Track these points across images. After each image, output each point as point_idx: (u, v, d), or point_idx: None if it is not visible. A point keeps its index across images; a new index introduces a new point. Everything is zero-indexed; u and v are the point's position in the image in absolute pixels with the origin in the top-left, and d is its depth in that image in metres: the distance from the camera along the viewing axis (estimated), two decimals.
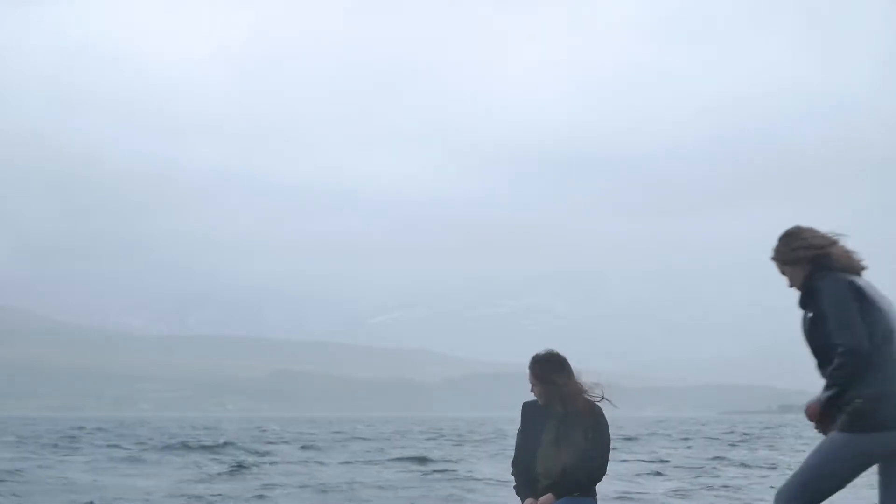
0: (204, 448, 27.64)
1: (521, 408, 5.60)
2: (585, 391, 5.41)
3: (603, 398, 5.46)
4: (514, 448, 5.59)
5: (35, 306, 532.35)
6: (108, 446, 29.73)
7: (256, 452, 25.81)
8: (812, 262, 4.62)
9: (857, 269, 4.64)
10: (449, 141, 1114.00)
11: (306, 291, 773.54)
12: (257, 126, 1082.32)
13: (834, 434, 4.45)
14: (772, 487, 14.24)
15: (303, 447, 29.46)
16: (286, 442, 34.04)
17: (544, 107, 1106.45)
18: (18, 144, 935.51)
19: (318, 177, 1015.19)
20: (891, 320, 4.49)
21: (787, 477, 4.60)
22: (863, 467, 4.43)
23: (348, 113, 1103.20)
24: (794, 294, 4.59)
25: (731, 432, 46.75)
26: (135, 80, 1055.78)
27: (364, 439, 37.63)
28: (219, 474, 18.19)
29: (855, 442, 4.38)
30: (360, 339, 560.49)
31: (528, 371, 5.51)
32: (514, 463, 5.53)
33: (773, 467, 19.95)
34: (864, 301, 4.47)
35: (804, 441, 32.50)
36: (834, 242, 4.65)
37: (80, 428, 52.45)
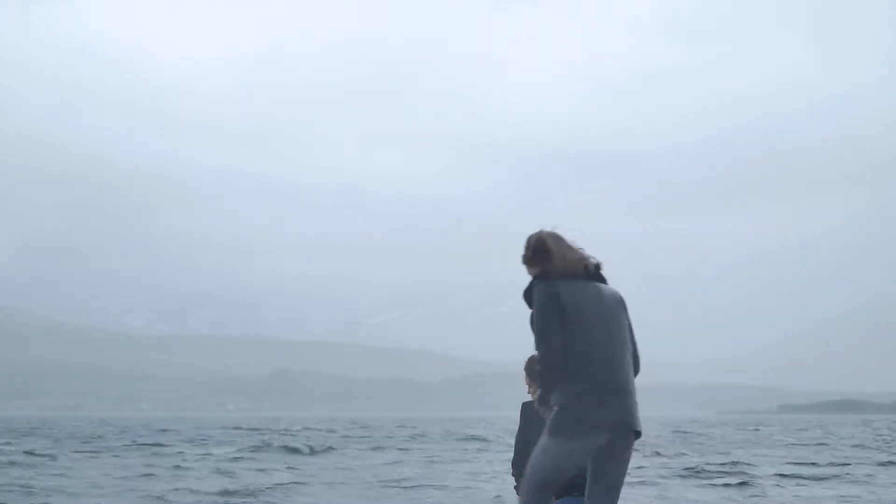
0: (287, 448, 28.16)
1: (520, 408, 5.65)
2: None
3: None
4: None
5: (35, 306, 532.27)
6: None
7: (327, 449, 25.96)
8: (540, 266, 4.94)
9: (578, 276, 4.90)
10: (451, 141, 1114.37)
11: (306, 291, 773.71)
12: (258, 126, 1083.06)
13: (543, 437, 4.83)
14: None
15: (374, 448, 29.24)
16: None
17: (544, 107, 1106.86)
18: (20, 144, 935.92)
19: (319, 177, 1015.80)
20: (592, 332, 4.76)
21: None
22: (572, 465, 4.77)
23: (349, 113, 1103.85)
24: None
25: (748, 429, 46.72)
26: (136, 80, 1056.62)
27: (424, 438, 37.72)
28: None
29: (555, 445, 4.73)
30: (360, 339, 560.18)
31: (523, 372, 5.58)
32: (514, 463, 5.53)
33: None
34: (566, 314, 4.74)
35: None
36: (557, 249, 4.91)
37: (164, 430, 52.34)
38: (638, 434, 4.84)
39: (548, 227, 4.93)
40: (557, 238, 4.97)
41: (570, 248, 4.97)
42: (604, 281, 5.04)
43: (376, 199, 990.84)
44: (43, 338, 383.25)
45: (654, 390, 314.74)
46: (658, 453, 25.23)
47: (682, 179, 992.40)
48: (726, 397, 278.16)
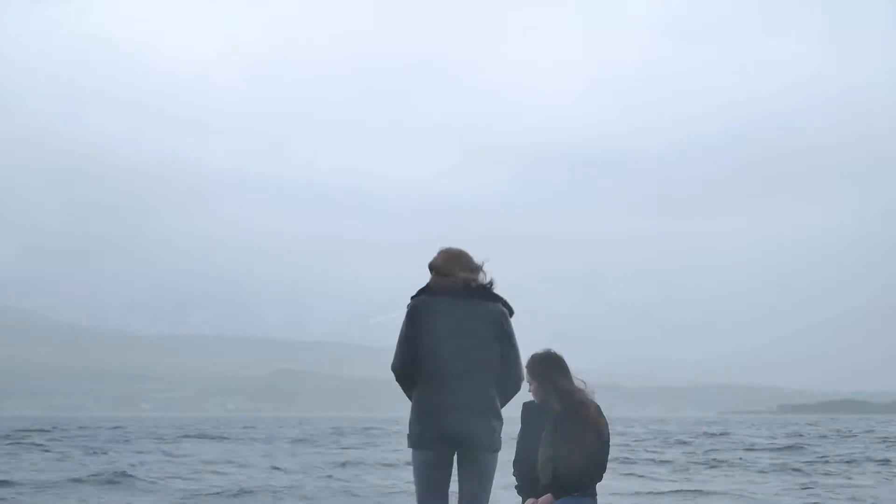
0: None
1: (520, 408, 5.61)
2: (582, 390, 5.43)
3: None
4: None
5: (35, 306, 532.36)
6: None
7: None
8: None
9: (449, 292, 5.00)
10: (454, 141, 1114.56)
11: (306, 291, 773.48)
12: (261, 126, 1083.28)
13: None
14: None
15: None
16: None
17: (546, 107, 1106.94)
18: (23, 143, 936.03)
19: (322, 176, 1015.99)
20: (442, 348, 4.85)
21: None
22: (434, 474, 4.89)
23: (353, 113, 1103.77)
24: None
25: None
26: (140, 79, 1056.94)
27: None
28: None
29: (413, 456, 4.95)
30: (360, 339, 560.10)
31: (525, 370, 5.53)
32: (515, 463, 5.53)
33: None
34: (422, 329, 4.87)
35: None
36: (442, 267, 5.07)
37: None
38: (494, 451, 4.89)
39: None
40: (453, 256, 5.11)
41: (460, 266, 5.07)
42: (493, 299, 5.12)
43: (379, 198, 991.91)
44: (43, 338, 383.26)
45: (654, 390, 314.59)
46: (696, 454, 25.03)
47: (683, 179, 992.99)
48: (726, 397, 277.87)
